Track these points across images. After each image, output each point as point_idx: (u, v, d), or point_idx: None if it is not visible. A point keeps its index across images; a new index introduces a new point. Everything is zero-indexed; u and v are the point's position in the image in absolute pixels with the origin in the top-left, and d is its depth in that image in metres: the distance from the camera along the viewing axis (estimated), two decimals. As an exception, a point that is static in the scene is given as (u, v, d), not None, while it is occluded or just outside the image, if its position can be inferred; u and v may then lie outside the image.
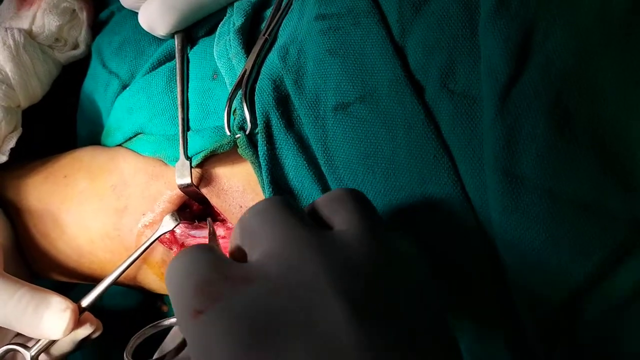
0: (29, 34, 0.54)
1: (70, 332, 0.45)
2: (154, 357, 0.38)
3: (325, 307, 0.28)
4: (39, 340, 0.46)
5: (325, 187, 0.44)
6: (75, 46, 0.59)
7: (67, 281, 0.57)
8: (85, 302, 0.47)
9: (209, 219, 0.49)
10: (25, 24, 0.54)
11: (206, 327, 0.28)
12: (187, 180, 0.47)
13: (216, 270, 0.30)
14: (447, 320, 0.32)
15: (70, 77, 0.60)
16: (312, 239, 0.32)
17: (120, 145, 0.55)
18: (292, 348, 0.27)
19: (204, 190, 0.48)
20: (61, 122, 0.64)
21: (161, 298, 0.65)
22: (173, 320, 0.42)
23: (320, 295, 0.28)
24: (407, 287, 0.31)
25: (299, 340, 0.27)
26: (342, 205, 0.35)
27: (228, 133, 0.45)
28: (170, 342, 0.44)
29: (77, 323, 0.46)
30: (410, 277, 0.32)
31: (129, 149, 0.53)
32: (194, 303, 0.29)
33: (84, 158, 0.55)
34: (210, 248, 0.33)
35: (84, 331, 0.47)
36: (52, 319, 0.44)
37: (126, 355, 0.38)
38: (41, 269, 0.56)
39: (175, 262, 0.32)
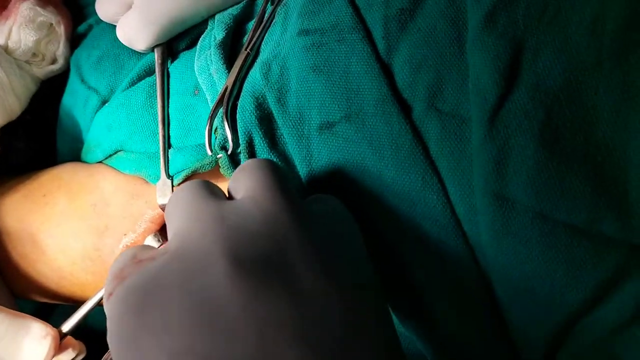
0: (4, 50, 0.53)
1: (52, 358, 0.44)
2: None
3: (208, 265, 0.29)
4: None
5: None
6: (54, 61, 0.57)
7: (49, 302, 0.56)
8: (66, 327, 0.45)
9: None
10: (0, 39, 0.53)
11: (112, 304, 0.30)
12: (168, 199, 0.45)
13: (132, 257, 0.33)
14: (369, 289, 0.33)
15: (50, 91, 0.59)
16: (209, 209, 0.32)
17: (100, 162, 0.53)
18: (172, 305, 0.28)
19: (187, 210, 0.47)
20: (41, 138, 0.62)
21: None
22: None
23: (206, 256, 0.29)
24: (306, 246, 0.31)
25: (178, 297, 0.28)
26: (244, 174, 0.36)
27: (209, 153, 0.44)
28: None
29: (59, 349, 0.45)
30: (315, 237, 0.32)
31: (110, 166, 0.52)
32: (108, 287, 0.31)
33: (64, 176, 0.53)
34: (144, 247, 0.35)
35: (66, 357, 0.45)
36: (32, 346, 0.43)
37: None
38: (21, 291, 0.54)
39: None
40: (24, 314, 0.45)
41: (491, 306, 0.38)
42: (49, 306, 0.62)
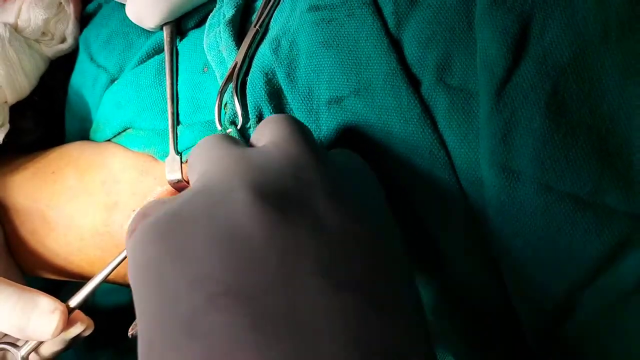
0: (14, 28, 0.53)
1: (60, 333, 0.44)
2: None
3: (231, 196, 0.29)
4: None
5: None
6: (63, 40, 0.58)
7: (57, 279, 0.56)
8: (74, 302, 0.46)
9: None
10: (10, 18, 0.53)
11: (133, 239, 0.30)
12: (177, 175, 0.46)
13: (158, 201, 0.33)
14: (388, 241, 0.33)
15: (59, 71, 0.59)
16: (234, 152, 0.33)
17: (109, 140, 0.54)
18: (194, 234, 0.28)
19: (196, 187, 0.47)
20: (50, 117, 0.63)
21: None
22: None
23: (229, 188, 0.30)
24: (328, 186, 0.31)
25: (200, 226, 0.28)
26: (266, 125, 0.36)
27: (219, 128, 0.44)
28: None
29: (67, 323, 0.45)
30: (337, 179, 0.33)
31: (119, 144, 0.52)
32: (131, 226, 0.32)
33: (73, 153, 0.54)
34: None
35: (75, 330, 0.46)
36: (41, 321, 0.43)
37: (131, 330, 0.39)
38: (30, 267, 0.55)
39: None
40: (32, 288, 0.45)
41: (493, 271, 0.39)
42: (56, 285, 0.62)
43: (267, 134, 0.35)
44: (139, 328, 0.28)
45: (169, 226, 0.29)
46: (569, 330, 0.37)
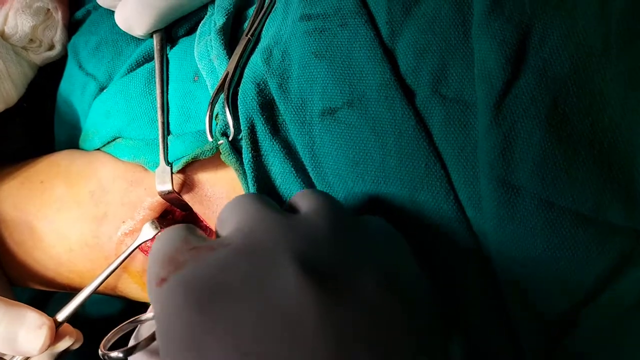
0: (1, 35, 0.52)
1: (48, 348, 0.43)
2: (129, 345, 0.37)
3: (279, 268, 0.28)
4: None
5: None
6: (51, 47, 0.57)
7: (46, 290, 0.55)
8: (62, 315, 0.45)
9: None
10: (-4, 25, 0.52)
11: (166, 293, 0.29)
12: (168, 186, 0.45)
13: (186, 243, 0.32)
14: (426, 298, 0.33)
15: (47, 78, 0.58)
16: (276, 215, 0.32)
17: (99, 149, 0.52)
18: (242, 307, 0.27)
19: (186, 197, 0.46)
20: (38, 125, 0.62)
21: (145, 306, 0.63)
22: (150, 315, 0.41)
23: (276, 259, 0.29)
24: (371, 260, 0.31)
25: (249, 300, 0.27)
26: (306, 196, 0.36)
27: (210, 139, 0.43)
28: (144, 332, 0.43)
29: (55, 337, 0.44)
30: (375, 251, 0.32)
31: (108, 153, 0.51)
32: (160, 272, 0.30)
33: (62, 163, 0.53)
34: (188, 227, 0.34)
35: (63, 344, 0.45)
36: (28, 336, 0.42)
37: (101, 348, 0.37)
38: (18, 278, 0.54)
39: (155, 241, 0.34)
40: (19, 303, 0.44)
41: (494, 294, 0.38)
42: (45, 294, 0.61)
43: (304, 203, 0.35)
44: None
45: (212, 294, 0.28)
46: (569, 347, 0.36)
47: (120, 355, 0.35)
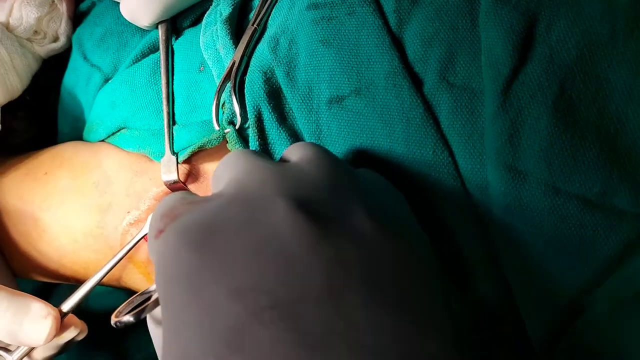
0: (6, 27, 0.52)
1: (53, 338, 0.43)
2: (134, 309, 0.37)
3: (270, 206, 0.29)
4: None
5: None
6: (56, 39, 0.57)
7: (50, 282, 0.55)
8: (67, 306, 0.45)
9: None
10: (1, 17, 0.52)
11: (163, 240, 0.29)
12: (173, 176, 0.45)
13: (183, 199, 0.32)
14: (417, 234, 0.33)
15: (52, 70, 0.58)
16: (268, 164, 0.33)
17: (103, 140, 0.53)
18: (235, 243, 0.27)
19: (192, 187, 0.46)
20: (42, 117, 0.62)
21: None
22: None
23: (267, 199, 0.29)
24: (365, 201, 0.31)
25: (241, 236, 0.28)
26: (298, 147, 0.36)
27: (217, 127, 0.43)
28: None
29: (60, 328, 0.44)
30: (371, 196, 0.32)
31: (113, 144, 0.51)
32: (158, 225, 0.31)
33: (66, 154, 0.53)
34: (188, 192, 0.35)
35: (68, 335, 0.45)
36: (33, 327, 0.42)
37: (113, 317, 0.37)
38: (22, 270, 0.54)
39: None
40: (24, 293, 0.44)
41: (500, 278, 0.38)
42: (49, 286, 0.61)
43: (295, 154, 0.35)
44: (165, 340, 0.27)
45: (206, 235, 0.28)
46: (577, 333, 0.36)
47: (132, 319, 0.35)
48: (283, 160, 0.36)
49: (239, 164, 0.33)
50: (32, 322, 0.42)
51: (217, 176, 0.35)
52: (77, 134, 0.56)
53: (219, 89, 0.44)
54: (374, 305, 0.26)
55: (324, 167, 0.33)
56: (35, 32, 0.54)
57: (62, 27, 0.56)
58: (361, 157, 0.40)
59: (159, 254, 0.29)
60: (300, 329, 0.24)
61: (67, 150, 0.53)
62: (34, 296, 0.44)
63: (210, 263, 0.27)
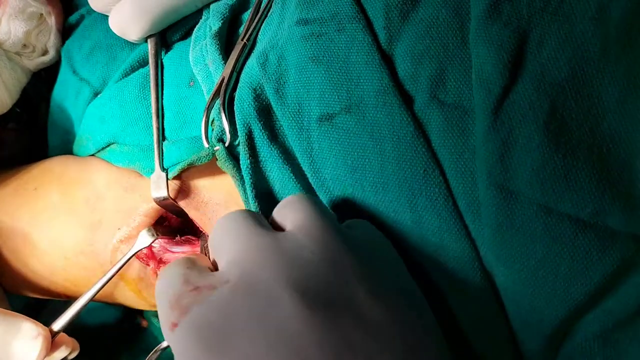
0: (-7, 41, 0.52)
1: (44, 358, 0.43)
2: None
3: (278, 298, 0.30)
4: None
5: None
6: (45, 52, 0.56)
7: (41, 297, 0.55)
8: (58, 325, 0.44)
9: (202, 235, 0.48)
10: (-11, 31, 0.52)
11: (179, 338, 0.30)
12: (163, 193, 0.45)
13: (187, 284, 0.33)
14: (420, 304, 0.34)
15: (42, 83, 0.57)
16: (266, 241, 0.33)
17: (93, 155, 0.52)
18: (249, 343, 0.28)
19: (182, 203, 0.46)
20: (32, 130, 0.61)
21: (140, 313, 0.62)
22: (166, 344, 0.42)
23: (272, 288, 0.30)
24: (362, 272, 0.32)
25: (255, 335, 0.29)
26: (290, 208, 0.36)
27: (206, 145, 0.43)
28: None
29: (51, 347, 0.43)
30: (367, 262, 0.33)
31: (102, 159, 0.51)
32: (171, 317, 0.31)
33: (55, 169, 0.52)
34: (190, 260, 0.36)
35: (59, 354, 0.44)
36: (23, 347, 0.42)
37: None
38: (12, 286, 0.53)
39: (158, 280, 0.35)
40: (14, 312, 0.43)
41: (493, 300, 0.37)
42: (40, 302, 0.60)
43: (290, 217, 0.36)
44: None
45: (220, 334, 0.29)
46: (570, 355, 0.36)
47: None
48: (277, 226, 0.37)
49: (237, 235, 0.34)
50: (23, 343, 0.42)
51: (216, 244, 0.36)
52: (67, 148, 0.55)
53: (208, 106, 0.43)
54: None
55: (321, 240, 0.33)
56: (24, 45, 0.54)
57: (51, 40, 0.56)
58: (353, 176, 0.39)
59: (177, 349, 0.30)
60: None
61: (56, 165, 0.53)
62: (24, 316, 0.43)
63: None
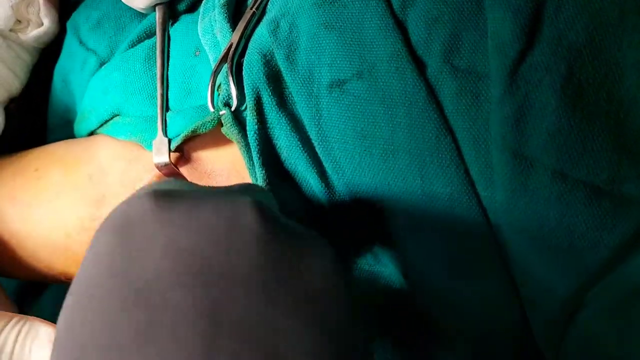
0: (-19, 22, 0.50)
1: None
2: None
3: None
4: None
5: (320, 169, 0.41)
6: (40, 24, 0.55)
7: (39, 281, 0.53)
8: None
9: None
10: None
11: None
12: (165, 159, 0.44)
13: None
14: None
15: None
16: None
17: (95, 130, 0.51)
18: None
19: (185, 173, 0.45)
20: (32, 115, 0.59)
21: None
22: None
23: None
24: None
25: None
26: None
27: (211, 109, 0.42)
28: None
29: None
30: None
31: (106, 134, 0.50)
32: None
33: (57, 151, 0.51)
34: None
35: None
36: (41, 351, 0.40)
37: None
38: (10, 270, 0.51)
39: None
40: (29, 316, 0.42)
41: (503, 268, 0.37)
42: (37, 285, 0.59)
43: None
44: None
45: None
46: (580, 325, 0.35)
47: None
48: None
49: None
50: (40, 346, 0.40)
51: None
52: (67, 127, 0.54)
53: (215, 70, 0.43)
54: None
55: None
56: (19, 21, 0.52)
57: (42, 9, 0.54)
58: (362, 144, 0.39)
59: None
60: None
61: (58, 148, 0.52)
62: (40, 319, 0.42)
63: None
